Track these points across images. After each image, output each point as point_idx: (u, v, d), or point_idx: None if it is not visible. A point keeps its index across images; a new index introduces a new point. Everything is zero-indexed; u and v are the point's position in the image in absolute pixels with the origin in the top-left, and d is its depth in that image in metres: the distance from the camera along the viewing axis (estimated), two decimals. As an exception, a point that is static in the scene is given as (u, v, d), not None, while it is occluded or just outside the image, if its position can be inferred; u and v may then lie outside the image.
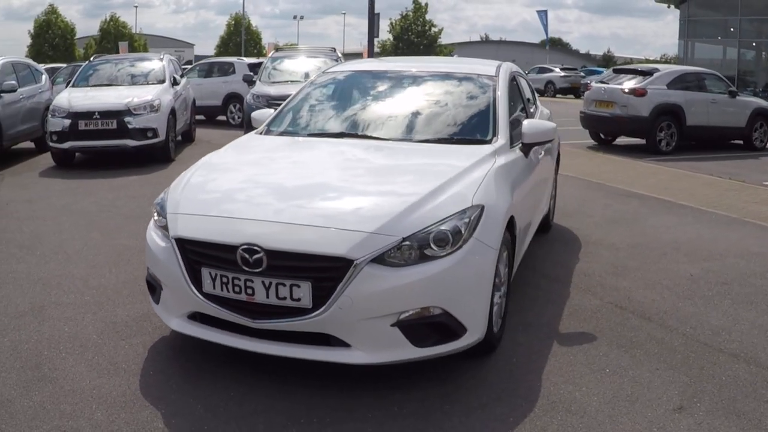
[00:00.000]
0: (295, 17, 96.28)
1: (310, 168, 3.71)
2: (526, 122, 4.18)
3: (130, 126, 9.27)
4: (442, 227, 3.02)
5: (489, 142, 3.94)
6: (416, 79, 4.64)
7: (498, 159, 3.74)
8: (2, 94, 9.47)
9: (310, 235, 2.95)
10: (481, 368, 3.34)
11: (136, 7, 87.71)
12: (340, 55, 13.46)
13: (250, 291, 2.99)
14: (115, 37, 55.29)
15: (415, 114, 4.28)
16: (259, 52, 52.44)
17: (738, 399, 3.10)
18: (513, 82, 4.88)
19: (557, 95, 32.16)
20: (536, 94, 6.10)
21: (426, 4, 50.19)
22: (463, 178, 3.36)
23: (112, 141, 9.24)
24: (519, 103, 4.92)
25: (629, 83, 11.79)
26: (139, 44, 56.82)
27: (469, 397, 3.07)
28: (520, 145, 4.17)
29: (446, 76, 4.65)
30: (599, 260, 5.25)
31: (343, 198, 3.23)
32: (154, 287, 3.43)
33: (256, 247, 2.95)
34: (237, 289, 3.01)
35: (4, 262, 5.07)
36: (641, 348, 3.63)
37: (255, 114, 4.79)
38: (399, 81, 4.65)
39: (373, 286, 2.87)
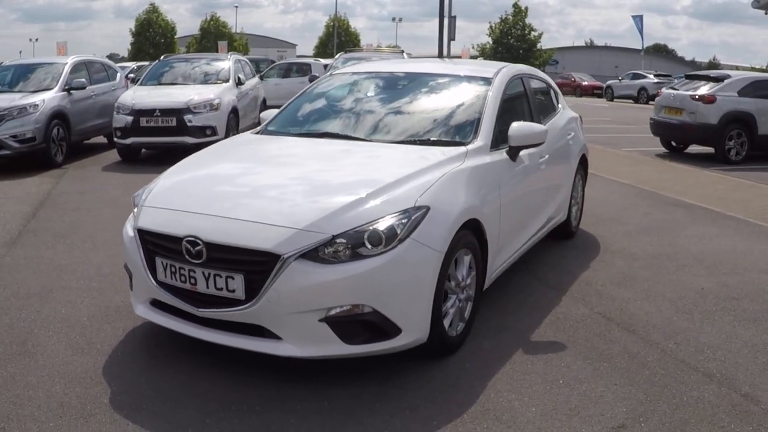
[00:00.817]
0: (393, 19, 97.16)
1: (271, 167, 3.81)
2: (514, 125, 4.08)
3: (189, 123, 9.76)
4: (377, 226, 3.02)
5: (465, 144, 3.88)
6: (414, 80, 4.64)
7: (468, 161, 3.69)
8: (72, 91, 10.19)
9: (244, 229, 3.06)
10: (429, 370, 3.32)
11: (236, 7, 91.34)
12: (406, 56, 13.55)
13: (193, 281, 3.13)
14: (215, 37, 57.74)
15: (400, 115, 4.28)
16: None
17: (690, 422, 2.91)
18: (517, 85, 4.78)
19: (650, 102, 30.72)
20: (560, 98, 5.91)
21: (526, 8, 49.46)
22: (417, 179, 3.34)
23: (172, 138, 9.76)
24: (523, 107, 4.81)
25: (699, 90, 11.14)
26: (239, 44, 59.17)
27: (404, 397, 3.06)
28: (507, 148, 4.09)
29: (443, 78, 4.63)
30: (609, 269, 5.04)
31: (288, 195, 3.30)
32: (129, 275, 3.64)
33: (197, 240, 3.08)
34: (183, 278, 3.16)
35: (34, 248, 5.49)
36: (609, 361, 3.47)
37: (263, 114, 4.98)
38: (396, 82, 4.67)
39: (300, 281, 2.93)
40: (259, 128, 4.66)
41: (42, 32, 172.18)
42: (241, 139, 4.55)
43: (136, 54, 53.64)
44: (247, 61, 13.90)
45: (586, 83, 38.24)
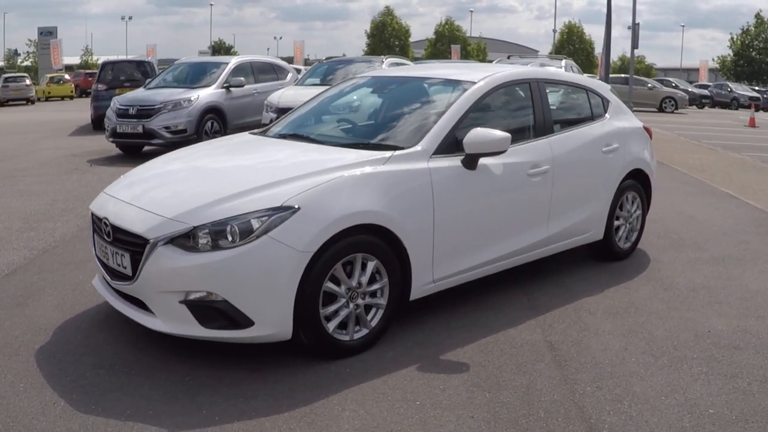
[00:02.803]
0: (628, 28, 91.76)
1: (211, 162, 4.07)
2: (472, 131, 3.86)
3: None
4: (235, 222, 3.15)
5: (403, 148, 3.78)
6: (401, 84, 4.60)
7: (387, 166, 3.60)
8: (231, 89, 11.46)
9: (133, 215, 3.40)
10: (305, 370, 3.34)
11: (471, 11, 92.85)
12: (564, 63, 12.89)
13: (107, 257, 3.56)
14: (449, 40, 59.58)
15: (365, 118, 4.29)
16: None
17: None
18: (514, 91, 4.48)
19: None
20: (612, 106, 5.29)
21: (769, 19, 43.75)
22: (305, 180, 3.36)
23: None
24: (522, 114, 4.48)
25: None
26: (472, 48, 60.29)
27: (250, 387, 3.15)
28: (463, 156, 3.87)
29: (427, 82, 4.52)
30: (620, 298, 4.47)
31: (182, 188, 3.57)
32: None
33: (107, 221, 3.50)
34: (104, 254, 3.61)
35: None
36: (498, 393, 3.17)
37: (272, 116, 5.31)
38: (385, 86, 4.68)
39: (165, 265, 3.19)
40: (258, 130, 4.97)
41: (299, 30, 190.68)
42: (232, 139, 4.91)
43: (370, 55, 57.36)
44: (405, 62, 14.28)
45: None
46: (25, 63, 63.04)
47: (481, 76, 4.35)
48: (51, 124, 17.76)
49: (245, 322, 3.17)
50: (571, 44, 57.04)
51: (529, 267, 4.79)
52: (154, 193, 3.59)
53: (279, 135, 4.48)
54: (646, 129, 5.59)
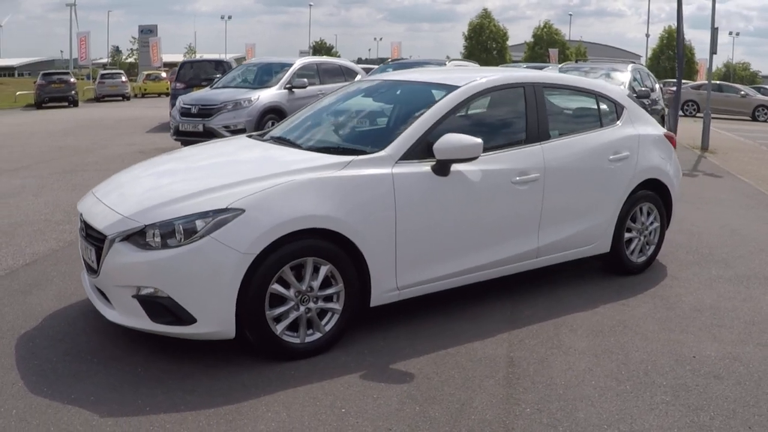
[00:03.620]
0: (730, 33, 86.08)
1: (188, 163, 4.18)
2: (443, 136, 3.78)
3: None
4: (181, 222, 3.24)
5: (368, 152, 3.76)
6: (393, 89, 4.59)
7: (345, 171, 3.58)
8: (294, 90, 11.73)
9: (99, 212, 3.59)
10: (251, 369, 3.40)
11: (571, 15, 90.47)
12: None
13: (82, 251, 3.78)
14: (547, 44, 58.28)
15: (346, 122, 4.29)
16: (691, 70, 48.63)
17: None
18: (504, 96, 4.36)
19: None
20: (627, 112, 4.98)
21: None
22: (258, 183, 3.41)
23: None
24: (513, 119, 4.34)
25: None
26: (571, 52, 58.70)
27: (194, 382, 3.26)
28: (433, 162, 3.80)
29: (416, 86, 4.46)
30: (611, 315, 4.23)
31: (148, 187, 3.72)
32: None
33: (81, 217, 3.72)
34: (82, 248, 3.84)
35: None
36: (428, 407, 3.09)
37: None
38: (378, 90, 4.65)
39: (119, 260, 3.34)
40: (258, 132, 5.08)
41: (406, 32, 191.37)
42: (227, 142, 5.02)
43: (467, 58, 56.97)
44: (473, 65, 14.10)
45: None
46: (129, 60, 66.83)
47: (466, 80, 4.25)
48: (136, 120, 18.85)
49: (188, 318, 3.26)
50: (671, 49, 54.12)
51: (525, 277, 4.64)
52: (122, 191, 3.76)
53: (272, 138, 4.56)
54: (669, 137, 5.25)
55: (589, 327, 4.05)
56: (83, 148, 12.43)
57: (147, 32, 48.42)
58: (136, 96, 34.07)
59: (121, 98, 31.48)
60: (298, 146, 4.15)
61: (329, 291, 3.55)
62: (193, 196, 3.38)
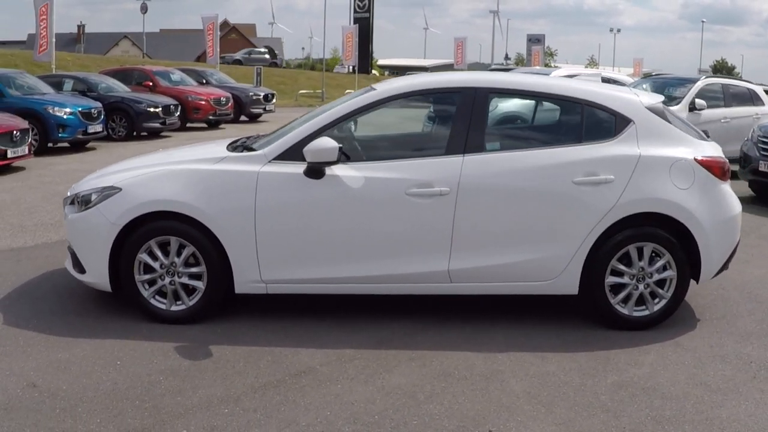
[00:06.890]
0: None
1: (158, 154, 4.87)
2: (316, 139, 3.87)
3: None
4: (86, 194, 4.16)
5: (254, 150, 4.11)
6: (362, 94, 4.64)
7: (217, 165, 4.02)
8: (697, 111, 10.13)
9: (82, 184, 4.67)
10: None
11: None
12: None
13: None
14: None
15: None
16: None
17: None
18: (447, 99, 4.09)
19: None
20: (631, 129, 3.95)
21: None
22: (149, 169, 4.16)
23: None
24: (448, 125, 4.02)
25: None
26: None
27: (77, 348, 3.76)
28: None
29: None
30: (535, 366, 3.63)
31: (107, 169, 4.60)
32: None
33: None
34: None
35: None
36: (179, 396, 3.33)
37: None
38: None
39: (66, 219, 4.41)
40: None
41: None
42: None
43: None
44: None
45: None
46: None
47: (393, 84, 4.13)
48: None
49: (81, 269, 4.19)
50: None
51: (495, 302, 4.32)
52: (105, 172, 4.74)
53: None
54: (709, 164, 3.98)
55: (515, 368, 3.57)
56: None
57: (535, 41, 49.80)
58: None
59: None
60: (248, 147, 4.57)
61: (193, 270, 4.01)
62: (104, 176, 4.28)
